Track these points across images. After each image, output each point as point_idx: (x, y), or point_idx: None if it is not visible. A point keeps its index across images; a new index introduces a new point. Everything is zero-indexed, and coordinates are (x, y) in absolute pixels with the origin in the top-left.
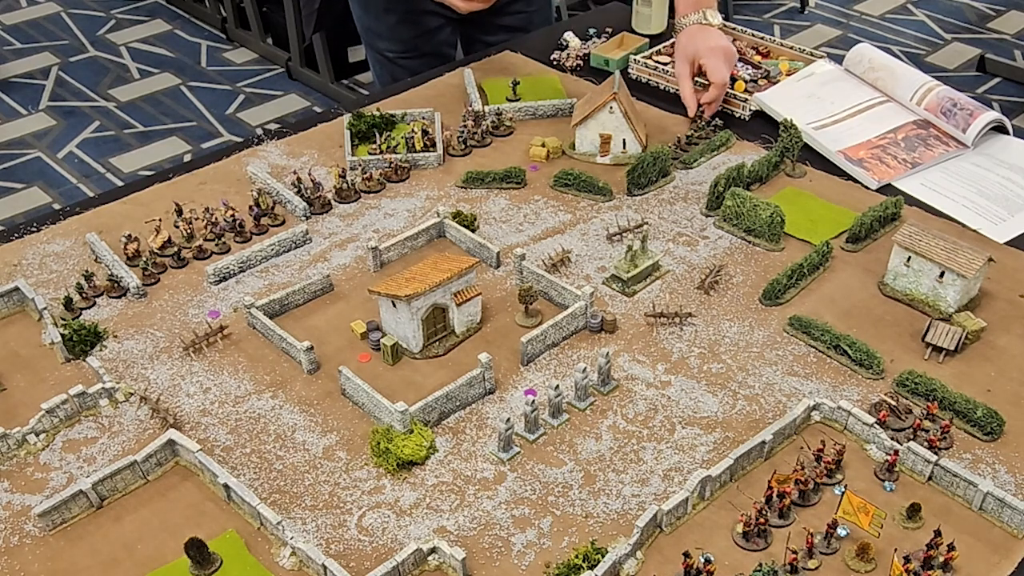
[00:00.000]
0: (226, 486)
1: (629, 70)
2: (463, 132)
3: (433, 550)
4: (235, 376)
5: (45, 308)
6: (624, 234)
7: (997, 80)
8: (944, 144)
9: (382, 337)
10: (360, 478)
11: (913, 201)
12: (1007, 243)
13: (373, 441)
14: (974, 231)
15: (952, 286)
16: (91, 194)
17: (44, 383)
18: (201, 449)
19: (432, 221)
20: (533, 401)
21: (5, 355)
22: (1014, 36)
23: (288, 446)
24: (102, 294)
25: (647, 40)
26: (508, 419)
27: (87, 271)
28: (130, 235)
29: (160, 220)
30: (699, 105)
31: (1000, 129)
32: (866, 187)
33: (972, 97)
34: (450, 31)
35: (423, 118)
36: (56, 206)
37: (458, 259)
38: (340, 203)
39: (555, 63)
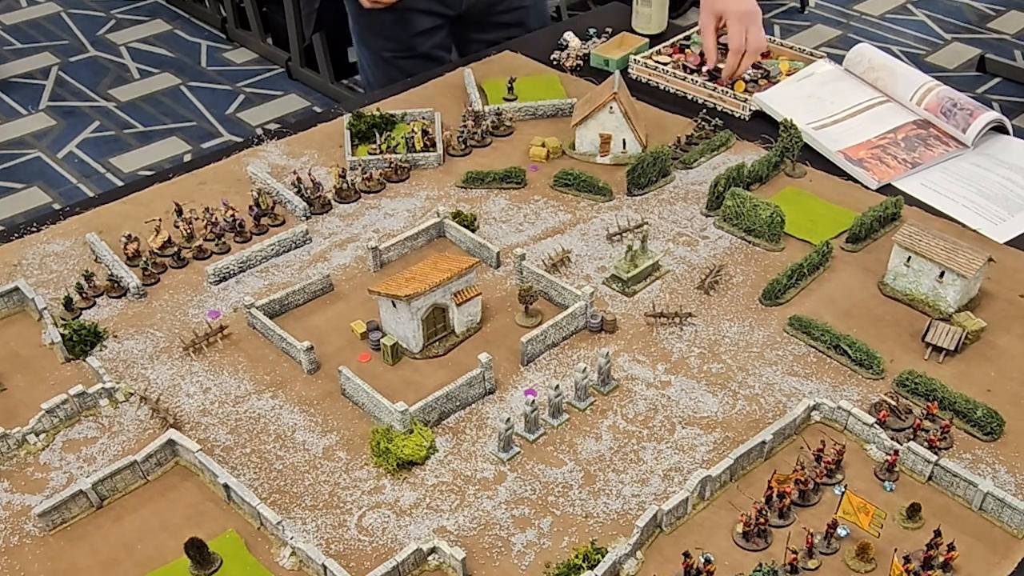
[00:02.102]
0: (226, 486)
1: (629, 70)
2: (463, 132)
3: (433, 550)
4: (235, 376)
5: (45, 308)
6: (624, 234)
7: (997, 80)
8: (944, 144)
9: (382, 337)
10: (360, 478)
11: (913, 201)
12: (1007, 243)
13: (373, 441)
14: (974, 231)
15: (952, 286)
16: (91, 194)
17: (44, 383)
18: (201, 449)
19: (432, 221)
20: (533, 401)
21: (5, 355)
22: (1014, 36)
23: (288, 446)
24: (102, 294)
25: (647, 40)
26: (508, 419)
27: (87, 271)
28: (130, 235)
29: (160, 220)
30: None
31: (1000, 129)
32: (866, 187)
33: (972, 97)
34: (445, 33)
35: (423, 118)
36: (56, 206)
37: (458, 259)
38: (340, 203)
39: (555, 63)
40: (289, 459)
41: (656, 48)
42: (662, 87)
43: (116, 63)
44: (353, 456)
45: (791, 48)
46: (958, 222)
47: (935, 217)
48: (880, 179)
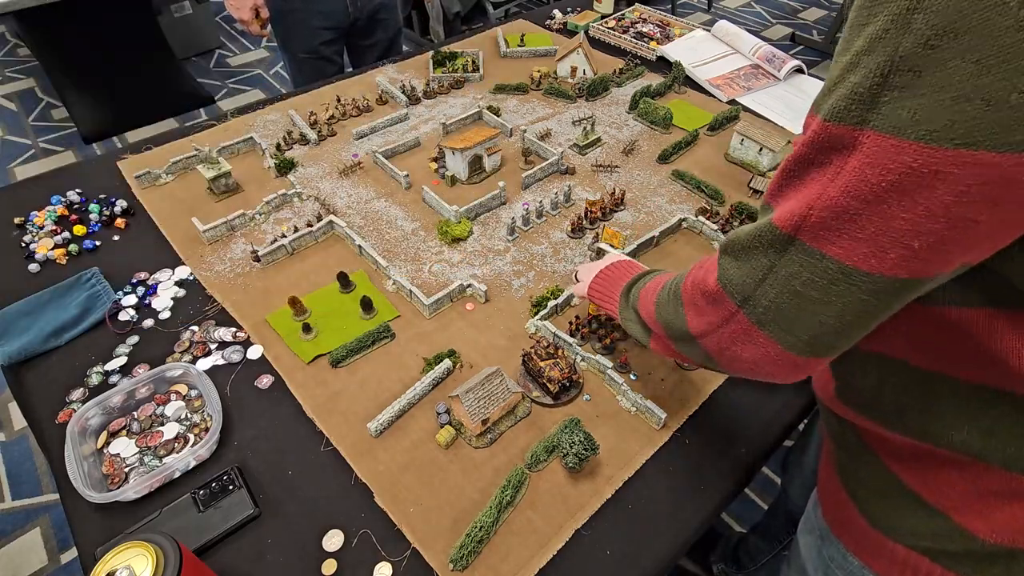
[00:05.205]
0: (360, 246)
1: (589, 31)
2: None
3: (469, 284)
4: (365, 188)
5: (265, 148)
6: (582, 121)
7: (801, 47)
8: (767, 78)
9: (445, 170)
10: (431, 245)
11: (747, 109)
12: (800, 134)
13: (439, 225)
14: (780, 126)
15: (766, 156)
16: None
17: (264, 188)
18: (347, 226)
19: (475, 109)
20: (527, 208)
21: (244, 172)
22: (812, 22)
23: (393, 226)
24: (296, 142)
25: (600, 14)
26: (513, 217)
27: (288, 130)
28: (312, 111)
29: (327, 103)
30: None
31: (800, 71)
32: (720, 100)
33: (785, 52)
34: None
35: (471, 54)
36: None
37: (489, 130)
38: (425, 99)
39: (548, 27)
40: (393, 233)
41: (605, 18)
42: (609, 42)
43: None
44: (428, 233)
45: (683, 22)
46: (771, 121)
47: (758, 117)
48: (729, 96)
